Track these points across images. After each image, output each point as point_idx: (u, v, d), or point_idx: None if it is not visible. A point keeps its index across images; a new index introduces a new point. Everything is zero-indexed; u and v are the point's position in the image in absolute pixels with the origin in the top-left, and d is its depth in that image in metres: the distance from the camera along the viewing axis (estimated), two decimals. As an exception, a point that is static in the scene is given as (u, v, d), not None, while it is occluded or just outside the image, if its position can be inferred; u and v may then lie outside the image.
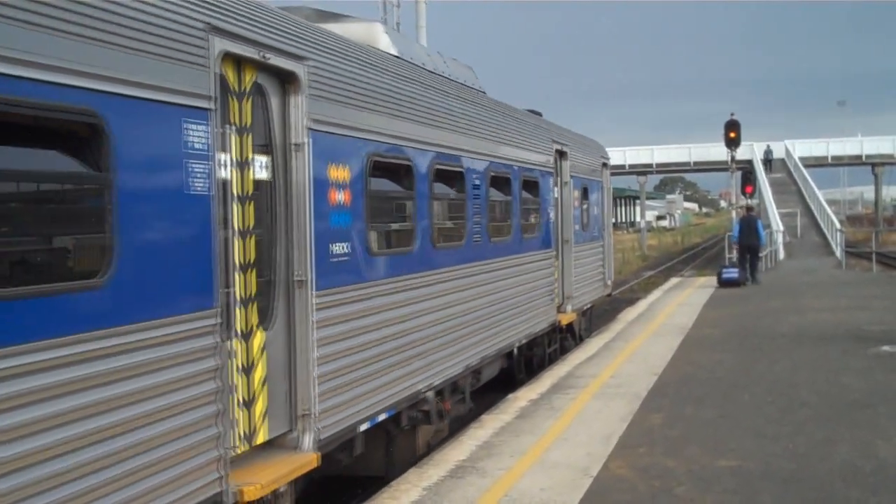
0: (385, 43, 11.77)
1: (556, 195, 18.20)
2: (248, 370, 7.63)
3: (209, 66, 6.91)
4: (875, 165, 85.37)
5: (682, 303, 26.49)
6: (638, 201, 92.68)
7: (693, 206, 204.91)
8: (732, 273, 31.07)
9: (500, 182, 14.58)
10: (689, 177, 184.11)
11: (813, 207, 58.98)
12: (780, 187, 65.31)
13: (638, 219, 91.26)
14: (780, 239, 45.24)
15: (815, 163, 79.99)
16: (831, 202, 61.26)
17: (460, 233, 12.79)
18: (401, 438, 11.23)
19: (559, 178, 18.53)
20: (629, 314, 24.14)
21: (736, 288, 30.18)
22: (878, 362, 15.52)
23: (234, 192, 7.45)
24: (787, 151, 79.07)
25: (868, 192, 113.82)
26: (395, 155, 10.51)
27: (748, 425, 11.45)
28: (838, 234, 45.21)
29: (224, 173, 7.24)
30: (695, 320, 21.97)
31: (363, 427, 9.54)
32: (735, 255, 39.21)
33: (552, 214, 17.73)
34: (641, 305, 26.38)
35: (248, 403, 7.62)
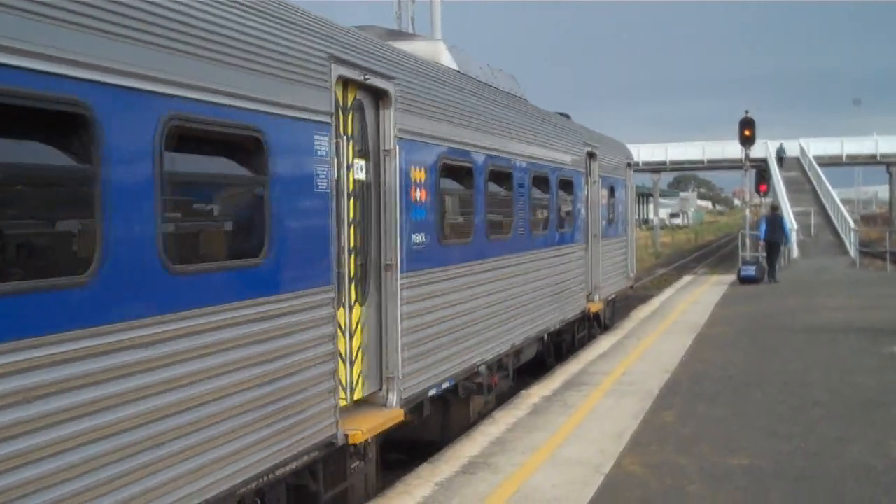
0: (447, 59, 13.34)
1: (586, 193, 19.45)
2: (349, 338, 9.11)
3: (330, 87, 8.56)
4: (890, 165, 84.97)
5: (694, 301, 26.46)
6: (651, 199, 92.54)
7: (706, 203, 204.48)
8: (750, 270, 31.81)
9: (540, 181, 15.95)
10: (702, 174, 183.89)
11: (827, 206, 58.77)
12: (794, 186, 65.11)
13: (651, 216, 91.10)
14: (793, 238, 45.11)
15: (829, 162, 79.67)
16: (845, 201, 61.08)
17: (508, 226, 14.14)
18: (455, 407, 12.47)
19: (589, 178, 19.72)
20: (642, 312, 24.12)
21: (754, 285, 30.50)
22: (892, 362, 15.49)
23: (348, 189, 9.06)
24: (802, 150, 78.80)
25: (883, 191, 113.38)
26: (459, 158, 12.02)
27: (760, 424, 11.46)
28: (852, 233, 45.07)
29: (336, 175, 8.72)
30: (707, 318, 21.95)
31: (431, 392, 10.94)
32: (748, 253, 39.31)
33: (583, 211, 19.11)
34: (654, 303, 26.35)
35: (350, 365, 9.13)
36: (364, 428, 9.01)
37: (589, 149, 19.72)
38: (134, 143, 6.02)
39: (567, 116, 20.19)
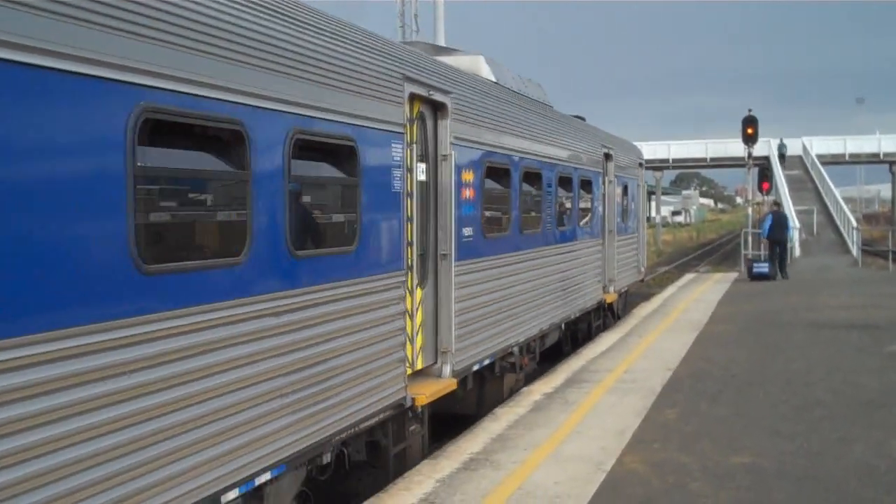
0: (486, 71, 14.67)
1: (603, 191, 20.97)
2: (412, 316, 10.61)
3: (403, 102, 10.15)
4: (893, 164, 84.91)
5: (696, 299, 26.44)
6: (653, 196, 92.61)
7: (709, 201, 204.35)
8: (763, 268, 32.09)
9: (565, 181, 17.47)
10: (705, 172, 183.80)
11: (829, 205, 58.73)
12: (796, 184, 65.04)
13: (653, 214, 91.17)
14: (796, 236, 45.10)
15: (832, 160, 79.60)
16: (848, 200, 60.95)
17: (538, 222, 15.71)
18: (490, 384, 13.90)
19: (605, 177, 21.19)
20: (643, 309, 24.10)
21: (757, 284, 30.75)
22: (893, 362, 15.48)
23: (409, 189, 10.40)
24: (805, 148, 78.72)
25: (885, 190, 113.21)
26: (499, 161, 13.60)
27: (763, 423, 11.44)
28: (854, 231, 45.03)
29: (405, 176, 10.24)
30: (710, 316, 21.93)
31: (475, 367, 12.49)
32: (751, 251, 39.34)
33: (600, 208, 20.70)
34: (656, 301, 26.33)
35: (412, 340, 10.60)
36: (427, 393, 10.68)
37: (605, 150, 21.20)
38: (273, 155, 7.73)
39: (582, 118, 21.33)
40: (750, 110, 38.49)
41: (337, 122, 8.71)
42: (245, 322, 7.24)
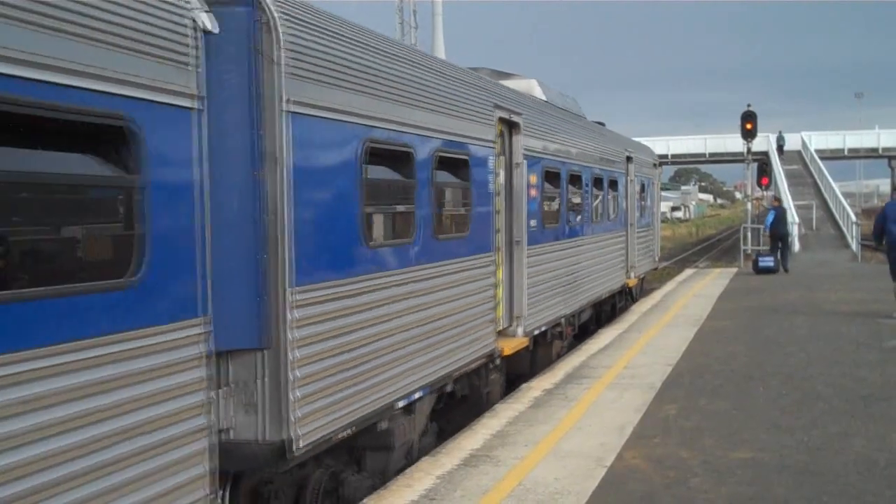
0: (538, 92, 17.86)
1: (625, 190, 23.88)
2: (498, 287, 13.45)
3: (494, 124, 13.09)
4: (892, 158, 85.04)
5: (696, 294, 26.44)
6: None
7: (708, 197, 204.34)
8: (769, 261, 32.86)
9: (597, 181, 20.39)
10: (704, 168, 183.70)
11: (829, 200, 58.76)
12: (795, 179, 65.09)
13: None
14: (795, 231, 45.11)
15: (831, 155, 79.72)
16: (847, 195, 60.98)
17: (579, 217, 18.68)
18: (542, 348, 16.47)
19: (627, 177, 24.17)
20: (643, 305, 24.10)
21: (762, 277, 31.16)
22: (893, 355, 15.49)
23: (497, 190, 13.28)
24: (804, 143, 78.79)
25: (884, 185, 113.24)
26: (553, 167, 16.48)
27: (763, 417, 11.45)
28: (854, 226, 45.01)
29: (494, 180, 13.14)
30: (709, 312, 21.93)
31: (536, 332, 15.27)
32: (750, 246, 39.40)
33: (623, 204, 23.67)
34: (656, 296, 26.33)
35: (495, 308, 13.17)
36: (509, 346, 13.69)
37: (627, 153, 24.39)
38: (426, 168, 10.63)
39: (602, 124, 23.89)
40: (749, 105, 38.50)
41: (460, 142, 11.72)
42: (412, 283, 10.15)
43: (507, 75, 17.26)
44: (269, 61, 7.43)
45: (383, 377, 9.39)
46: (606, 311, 22.65)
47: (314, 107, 8.03)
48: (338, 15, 8.97)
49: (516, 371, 15.04)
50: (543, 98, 17.67)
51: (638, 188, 25.70)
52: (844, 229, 49.40)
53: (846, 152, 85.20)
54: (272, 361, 7.54)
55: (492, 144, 12.93)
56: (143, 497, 6.08)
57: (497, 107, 13.26)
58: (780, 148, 75.44)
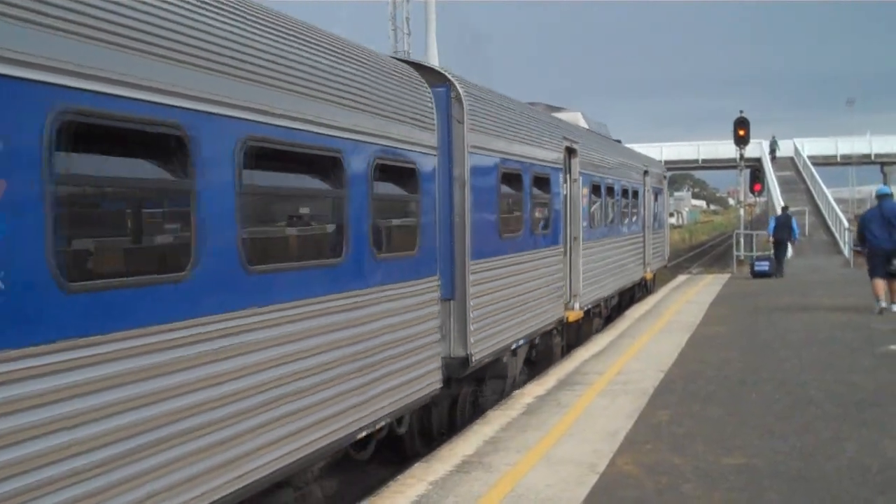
0: (582, 122, 22.77)
1: (643, 199, 28.41)
2: (564, 272, 17.68)
3: (562, 152, 17.58)
4: (884, 164, 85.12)
5: (689, 300, 26.45)
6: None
7: (701, 203, 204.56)
8: (764, 266, 33.92)
9: (625, 192, 24.97)
10: (697, 174, 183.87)
11: (821, 206, 58.80)
12: (788, 185, 65.12)
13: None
14: (798, 236, 45.14)
15: (823, 161, 79.79)
16: (840, 201, 60.98)
17: (613, 220, 23.22)
18: (585, 323, 20.55)
19: (643, 188, 28.68)
20: (636, 311, 24.10)
21: (755, 283, 31.59)
22: (886, 361, 15.48)
23: (563, 198, 17.62)
24: (796, 149, 78.86)
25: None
26: (597, 181, 20.97)
27: (755, 423, 11.43)
28: (846, 232, 45.04)
29: (562, 191, 17.57)
30: (702, 318, 21.94)
31: (585, 308, 19.41)
32: (743, 252, 39.46)
33: (641, 211, 28.22)
34: (649, 302, 26.34)
35: (560, 287, 17.33)
36: (571, 316, 18.42)
37: (644, 168, 29.19)
38: (527, 183, 15.20)
39: (619, 142, 27.74)
40: (741, 112, 38.58)
41: (545, 167, 16.39)
42: (522, 264, 14.76)
43: (559, 108, 22.16)
44: (459, 123, 12.18)
45: (508, 325, 14.01)
46: (626, 299, 26.82)
47: (479, 148, 12.78)
48: (487, 87, 14.18)
49: (567, 340, 18.96)
50: (586, 126, 22.81)
51: (652, 197, 30.62)
52: (837, 235, 49.42)
53: (839, 158, 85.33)
54: (459, 307, 12.24)
55: (561, 165, 17.55)
56: (420, 373, 10.88)
57: (564, 138, 17.96)
58: (773, 153, 75.54)
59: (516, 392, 13.88)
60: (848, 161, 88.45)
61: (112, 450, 5.81)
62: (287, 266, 8.12)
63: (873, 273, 22.17)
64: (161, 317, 6.28)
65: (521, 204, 14.90)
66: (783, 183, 64.24)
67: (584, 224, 19.29)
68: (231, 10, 7.41)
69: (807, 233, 52.88)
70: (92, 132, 5.82)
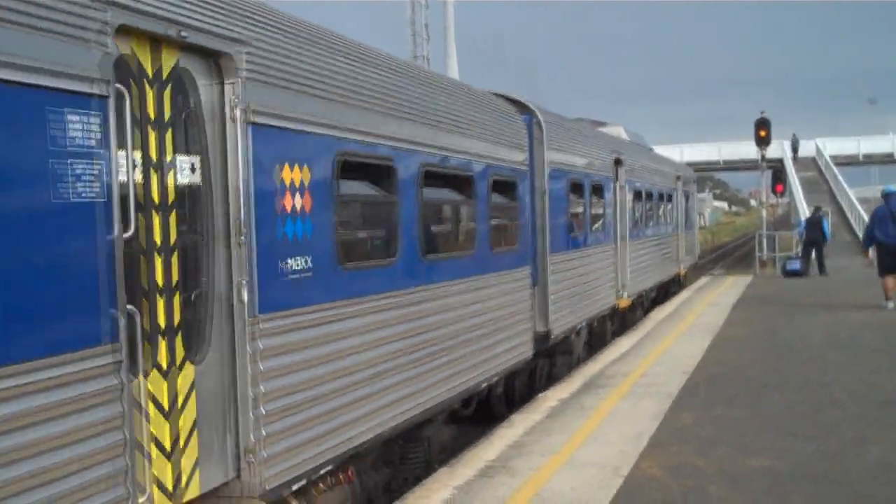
0: (624, 134, 26.14)
1: (676, 202, 31.06)
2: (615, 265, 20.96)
3: (612, 163, 20.68)
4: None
5: (712, 302, 26.39)
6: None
7: (723, 204, 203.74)
8: (795, 265, 34.90)
9: (661, 196, 27.80)
10: (718, 175, 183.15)
11: (844, 206, 58.51)
12: (810, 186, 64.81)
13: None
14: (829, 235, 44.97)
15: (845, 161, 79.32)
16: (862, 201, 60.64)
17: (655, 220, 26.43)
18: (629, 313, 23.02)
19: (676, 192, 31.24)
20: (658, 314, 24.06)
21: (779, 284, 31.99)
22: (911, 362, 15.43)
23: (613, 202, 20.64)
24: (818, 149, 78.50)
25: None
26: (638, 187, 23.67)
27: (779, 425, 11.43)
28: (870, 232, 44.75)
29: (612, 196, 20.71)
30: (725, 320, 21.90)
31: (631, 298, 22.46)
32: (765, 252, 39.42)
33: (675, 212, 30.86)
34: (671, 305, 26.30)
35: (615, 277, 20.83)
36: (622, 303, 21.26)
37: (677, 174, 31.90)
38: (588, 190, 18.42)
39: (651, 150, 30.81)
40: (762, 112, 38.45)
41: (599, 176, 19.24)
42: (585, 258, 17.72)
43: (602, 123, 25.59)
44: (540, 144, 15.13)
45: (575, 308, 16.87)
46: (661, 294, 29.30)
47: (554, 163, 15.71)
48: (560, 114, 17.69)
49: (615, 327, 21.51)
50: (627, 139, 26.00)
51: (684, 200, 33.10)
52: (860, 235, 49.14)
53: (861, 158, 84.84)
54: (542, 291, 15.12)
55: (612, 175, 20.54)
56: (514, 344, 13.45)
57: (613, 151, 21.00)
58: (794, 150, 75.25)
59: (540, 395, 13.92)
60: (870, 161, 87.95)
61: (369, 371, 9.00)
62: (442, 256, 11.12)
63: (883, 271, 22.78)
64: (383, 287, 9.32)
65: (584, 208, 17.93)
66: (805, 183, 63.95)
67: (630, 225, 22.10)
68: (418, 77, 11.04)
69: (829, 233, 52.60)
70: (352, 166, 8.72)
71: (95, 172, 5.57)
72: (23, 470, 5.05)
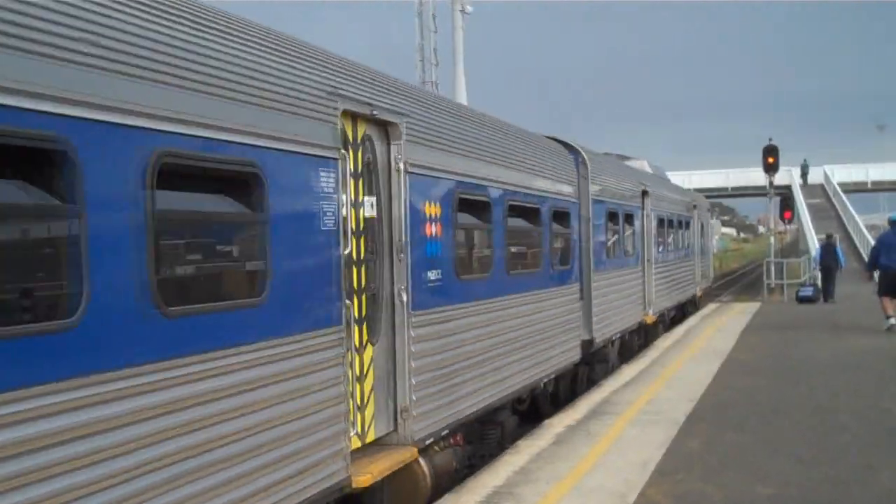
0: (648, 167, 28.76)
1: (693, 229, 33.48)
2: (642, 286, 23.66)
3: (640, 195, 23.49)
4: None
5: (719, 328, 26.30)
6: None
7: (731, 231, 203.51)
8: (808, 291, 35.99)
9: (679, 223, 30.31)
10: (726, 202, 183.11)
11: (852, 233, 58.39)
12: (819, 213, 64.73)
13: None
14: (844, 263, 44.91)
15: (854, 188, 79.24)
16: (871, 228, 60.54)
17: (675, 245, 29.23)
18: (651, 327, 24.83)
19: (693, 220, 33.56)
20: (665, 341, 23.95)
21: (786, 310, 32.41)
22: (920, 388, 15.33)
23: (642, 229, 23.61)
24: (826, 176, 78.46)
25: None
26: (661, 216, 26.15)
27: (787, 451, 11.34)
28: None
29: (640, 224, 23.71)
30: (733, 346, 21.80)
31: (656, 315, 24.94)
32: (773, 279, 39.36)
33: (692, 240, 33.36)
34: (678, 331, 26.19)
35: (643, 295, 23.40)
36: (648, 319, 23.71)
37: (693, 203, 34.48)
38: (623, 219, 21.24)
39: (667, 178, 34.05)
40: (770, 139, 38.47)
41: (630, 207, 21.86)
42: (615, 278, 19.86)
43: (627, 157, 28.18)
44: (585, 179, 17.77)
45: (611, 321, 19.35)
46: (679, 314, 31.32)
47: (597, 195, 18.47)
48: (601, 153, 21.60)
49: (639, 342, 23.54)
50: (650, 171, 28.73)
51: (699, 227, 35.66)
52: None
53: (869, 185, 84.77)
54: (586, 304, 17.46)
55: (639, 204, 23.12)
56: (566, 348, 15.83)
57: (640, 183, 23.75)
58: (804, 176, 75.19)
59: (545, 422, 13.83)
60: (879, 188, 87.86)
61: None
62: (521, 272, 13.71)
63: (881, 291, 24.36)
64: (483, 295, 11.90)
65: (618, 234, 20.46)
66: (813, 210, 63.88)
67: (655, 250, 24.69)
68: (501, 129, 13.74)
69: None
70: (463, 203, 11.34)
71: (333, 209, 8.04)
72: (307, 401, 7.63)
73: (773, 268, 41.37)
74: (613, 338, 19.81)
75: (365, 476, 8.39)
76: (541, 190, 14.71)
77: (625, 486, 10.03)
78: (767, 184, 40.97)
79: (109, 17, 5.70)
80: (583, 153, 18.13)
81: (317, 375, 7.74)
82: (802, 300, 35.11)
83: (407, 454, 9.30)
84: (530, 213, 14.28)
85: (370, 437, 8.99)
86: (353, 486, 8.26)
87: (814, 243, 49.78)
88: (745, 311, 32.54)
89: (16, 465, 4.86)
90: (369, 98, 8.99)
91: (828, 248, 36.12)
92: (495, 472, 10.89)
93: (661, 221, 26.10)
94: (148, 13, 6.09)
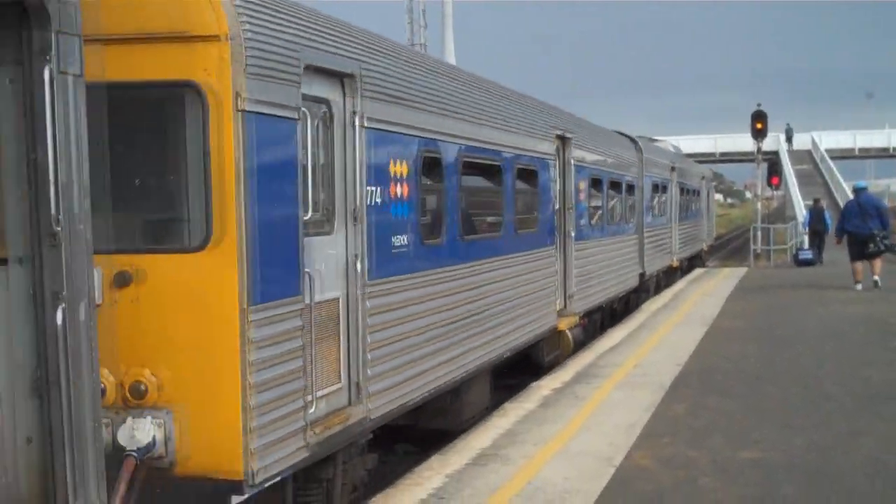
0: (670, 147, 36.34)
1: (702, 196, 38.37)
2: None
3: (670, 170, 29.66)
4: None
5: (706, 293, 26.39)
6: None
7: (718, 196, 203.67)
8: (807, 254, 36.58)
9: (690, 192, 34.70)
10: (714, 167, 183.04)
11: (839, 199, 58.50)
12: (806, 179, 64.83)
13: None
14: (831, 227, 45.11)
15: (841, 155, 79.40)
16: (858, 194, 60.63)
17: (690, 208, 34.45)
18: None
19: (701, 189, 37.79)
20: (653, 304, 24.05)
21: (774, 276, 32.75)
22: (903, 356, 15.46)
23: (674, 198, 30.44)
24: (814, 143, 78.53)
25: (895, 184, 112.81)
26: (685, 185, 32.55)
27: (772, 417, 11.44)
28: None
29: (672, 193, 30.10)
30: (719, 311, 21.89)
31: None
32: (759, 245, 39.54)
33: (702, 204, 38.23)
34: (666, 295, 26.28)
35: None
36: (673, 263, 30.35)
37: (702, 175, 38.99)
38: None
39: (679, 148, 41.79)
40: (759, 105, 38.48)
41: (662, 178, 27.56)
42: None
43: (654, 139, 33.46)
44: (640, 163, 24.01)
45: (655, 258, 25.74)
46: (689, 263, 35.49)
47: (648, 174, 24.74)
48: (647, 138, 30.68)
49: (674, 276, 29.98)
50: (672, 150, 35.01)
51: (705, 193, 39.77)
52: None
53: (857, 152, 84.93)
54: (640, 247, 23.67)
55: (669, 178, 28.40)
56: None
57: (671, 162, 29.57)
58: (788, 140, 75.22)
59: (533, 384, 13.89)
60: (866, 154, 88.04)
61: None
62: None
63: (853, 257, 26.11)
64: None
65: (663, 200, 27.98)
66: (801, 176, 63.98)
67: (678, 211, 30.29)
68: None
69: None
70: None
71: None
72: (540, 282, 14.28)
73: (759, 234, 41.49)
74: (658, 272, 27.20)
75: (562, 324, 15.79)
76: (626, 174, 22.09)
77: (611, 448, 10.12)
78: (755, 149, 41.01)
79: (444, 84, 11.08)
80: (638, 142, 24.72)
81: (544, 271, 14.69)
82: (802, 263, 35.70)
83: (575, 318, 16.57)
84: (620, 188, 21.51)
85: (559, 307, 15.80)
86: (558, 328, 15.71)
87: (801, 209, 49.92)
88: (731, 276, 32.64)
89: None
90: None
91: (816, 213, 36.86)
92: (483, 433, 10.97)
93: (682, 191, 31.84)
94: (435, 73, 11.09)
